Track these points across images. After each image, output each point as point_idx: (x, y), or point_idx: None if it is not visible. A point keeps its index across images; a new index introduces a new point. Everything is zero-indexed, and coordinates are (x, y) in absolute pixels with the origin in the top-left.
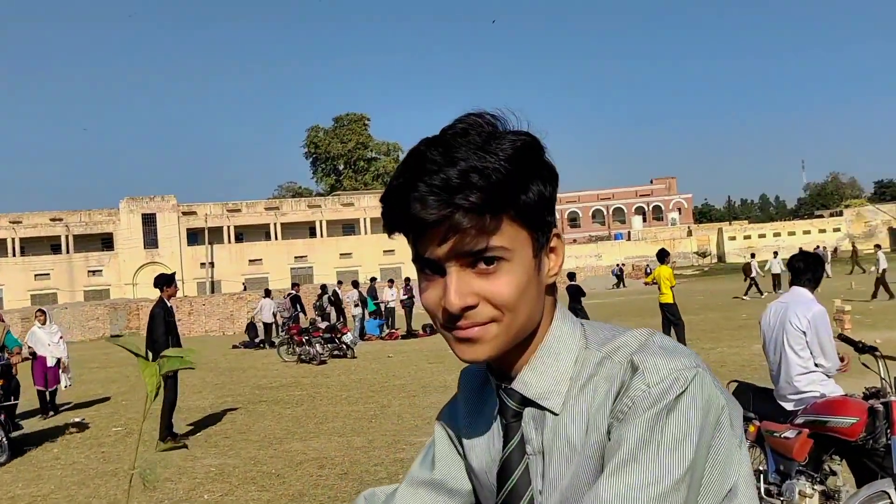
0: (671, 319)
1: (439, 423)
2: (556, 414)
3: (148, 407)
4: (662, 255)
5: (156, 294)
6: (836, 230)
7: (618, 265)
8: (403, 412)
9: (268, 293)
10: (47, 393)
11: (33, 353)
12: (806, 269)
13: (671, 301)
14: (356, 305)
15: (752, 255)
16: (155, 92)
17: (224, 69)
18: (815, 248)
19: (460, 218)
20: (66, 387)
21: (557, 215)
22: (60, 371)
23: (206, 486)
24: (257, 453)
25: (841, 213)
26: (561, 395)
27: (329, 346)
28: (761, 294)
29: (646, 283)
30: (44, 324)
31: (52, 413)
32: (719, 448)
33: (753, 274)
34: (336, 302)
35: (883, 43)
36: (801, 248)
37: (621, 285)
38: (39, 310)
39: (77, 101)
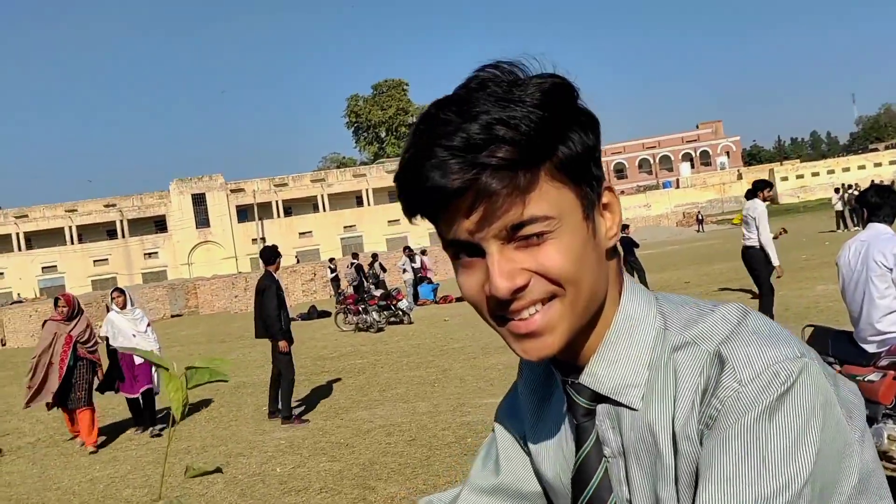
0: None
1: (499, 423)
2: (635, 409)
3: (177, 423)
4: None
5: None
6: (893, 163)
7: (699, 211)
8: (465, 375)
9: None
10: (139, 400)
11: (111, 349)
12: (882, 203)
13: None
14: (404, 271)
15: (849, 187)
16: (196, 72)
17: (260, 44)
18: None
19: (488, 180)
20: (157, 393)
21: (604, 167)
22: (153, 370)
23: (278, 460)
24: (324, 424)
25: None
26: (640, 388)
27: (385, 313)
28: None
29: (733, 224)
30: (123, 307)
31: (152, 428)
32: (837, 447)
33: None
34: (374, 273)
35: None
36: (872, 181)
37: (701, 230)
38: (116, 289)
39: (125, 86)
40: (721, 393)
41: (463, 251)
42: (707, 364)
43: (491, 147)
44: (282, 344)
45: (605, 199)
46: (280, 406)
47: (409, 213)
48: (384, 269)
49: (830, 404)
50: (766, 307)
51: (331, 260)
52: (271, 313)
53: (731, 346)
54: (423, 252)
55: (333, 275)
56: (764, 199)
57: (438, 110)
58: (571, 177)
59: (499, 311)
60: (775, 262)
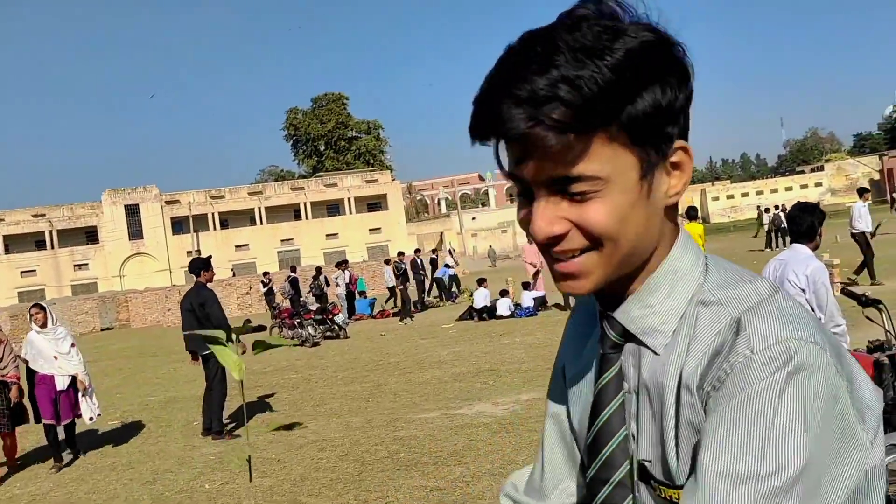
0: None
1: (549, 397)
2: (657, 354)
3: (242, 392)
4: (692, 213)
5: (131, 282)
6: (818, 185)
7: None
8: (400, 390)
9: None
10: (60, 429)
11: (30, 371)
12: (803, 221)
13: None
14: (337, 286)
15: (777, 207)
16: (130, 82)
17: (198, 56)
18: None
19: (543, 133)
20: (91, 419)
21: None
22: (80, 395)
23: (207, 476)
24: (256, 439)
25: (822, 168)
26: (666, 336)
27: (321, 327)
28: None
29: None
30: (43, 325)
31: (71, 458)
32: (841, 442)
33: (783, 225)
34: (317, 285)
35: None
36: (798, 202)
37: None
38: (36, 305)
39: (52, 94)
40: (732, 358)
41: (518, 185)
42: (726, 327)
43: (551, 104)
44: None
45: (675, 158)
46: (215, 421)
47: (473, 138)
48: (328, 283)
49: (838, 398)
50: None
51: (265, 274)
52: (222, 320)
53: (752, 316)
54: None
55: (267, 288)
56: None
57: (524, 48)
58: (633, 138)
59: (544, 248)
60: None
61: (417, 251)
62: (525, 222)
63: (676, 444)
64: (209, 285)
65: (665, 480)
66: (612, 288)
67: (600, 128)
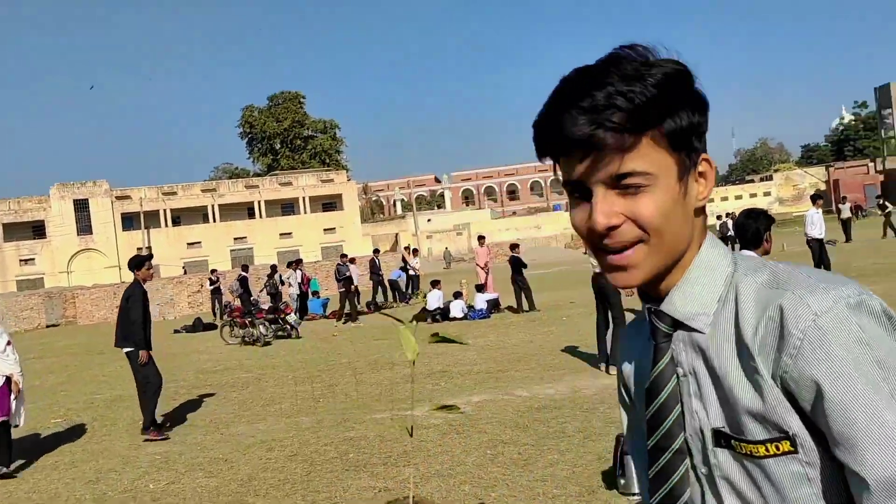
0: None
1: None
2: (703, 333)
3: (412, 370)
4: None
5: (88, 279)
6: (767, 194)
7: None
8: (350, 391)
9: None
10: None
11: None
12: (746, 229)
13: None
14: (290, 286)
15: (728, 215)
16: (82, 75)
17: (153, 49)
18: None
19: (603, 135)
20: (16, 425)
21: (496, 188)
22: (12, 397)
23: (152, 476)
24: (203, 439)
25: (771, 178)
26: (709, 317)
27: (273, 326)
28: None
29: None
30: None
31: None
32: None
33: (730, 233)
34: (272, 284)
35: (800, 13)
36: (747, 209)
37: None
38: None
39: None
40: (798, 323)
41: (577, 191)
42: (772, 297)
43: (609, 111)
44: (142, 354)
45: (701, 168)
46: (144, 418)
47: (541, 154)
48: (283, 283)
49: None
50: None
51: (212, 271)
52: (136, 320)
53: (793, 284)
54: (299, 262)
55: (214, 286)
56: None
57: (578, 76)
58: (673, 145)
59: (597, 242)
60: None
61: (376, 252)
62: (581, 222)
63: (747, 404)
64: (147, 283)
65: (745, 437)
66: (651, 288)
67: (648, 130)
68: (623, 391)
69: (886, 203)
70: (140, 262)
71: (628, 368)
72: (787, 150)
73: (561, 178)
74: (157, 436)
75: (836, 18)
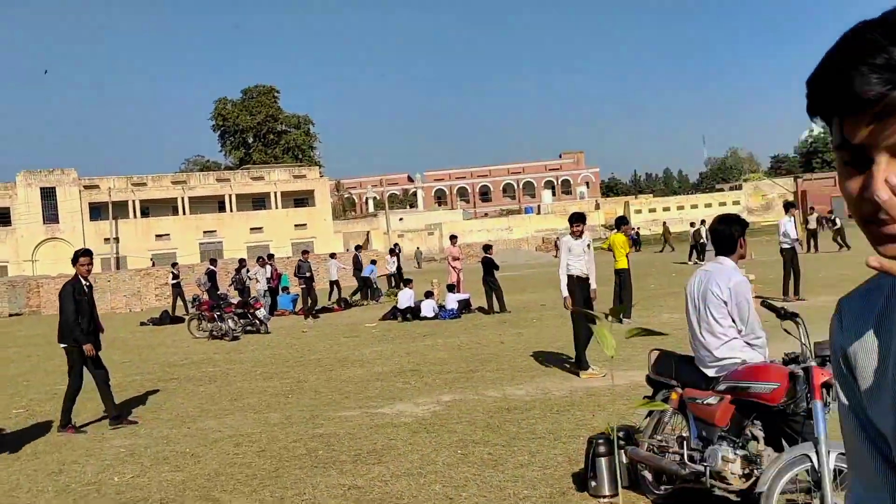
0: (623, 284)
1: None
2: None
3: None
4: (619, 223)
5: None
6: (736, 203)
7: (558, 237)
8: (321, 387)
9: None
10: None
11: None
12: (720, 234)
13: (626, 267)
14: (256, 281)
15: (702, 222)
16: (52, 62)
17: (125, 38)
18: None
19: None
20: None
21: (469, 189)
22: None
23: (116, 469)
24: (170, 432)
25: (740, 187)
26: None
27: (242, 321)
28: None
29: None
30: None
31: None
32: None
33: (703, 240)
34: (239, 279)
35: (773, 24)
36: (720, 215)
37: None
38: None
39: None
40: None
41: (853, 156)
42: None
43: None
44: (87, 347)
45: None
46: (63, 413)
47: (812, 112)
48: (250, 279)
49: None
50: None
51: (173, 265)
52: (68, 317)
53: None
54: (271, 257)
55: (175, 281)
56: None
57: (866, 30)
58: None
59: (869, 214)
60: (564, 292)
61: (358, 248)
62: (854, 191)
63: None
64: (91, 277)
65: None
66: None
67: None
68: (843, 367)
69: (836, 219)
70: (76, 257)
71: (856, 343)
72: (757, 160)
73: (833, 141)
74: (72, 431)
75: (805, 34)
